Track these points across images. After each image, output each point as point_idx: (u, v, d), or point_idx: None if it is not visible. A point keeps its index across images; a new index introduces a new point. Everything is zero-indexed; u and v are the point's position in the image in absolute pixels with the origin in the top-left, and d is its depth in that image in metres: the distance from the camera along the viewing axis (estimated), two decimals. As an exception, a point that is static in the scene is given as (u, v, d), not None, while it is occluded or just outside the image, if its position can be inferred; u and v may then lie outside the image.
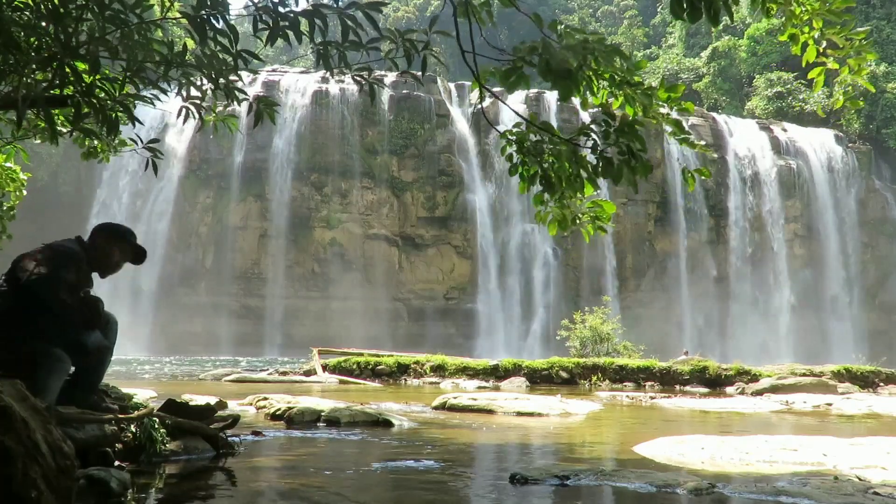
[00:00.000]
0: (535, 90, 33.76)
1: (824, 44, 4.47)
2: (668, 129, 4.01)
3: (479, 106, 4.68)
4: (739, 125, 36.87)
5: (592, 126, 3.96)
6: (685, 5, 3.41)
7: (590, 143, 3.97)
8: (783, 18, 4.53)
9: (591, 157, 4.14)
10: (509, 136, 4.28)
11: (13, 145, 6.23)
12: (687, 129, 4.18)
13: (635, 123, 3.86)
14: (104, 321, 4.37)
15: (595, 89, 3.87)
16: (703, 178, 4.40)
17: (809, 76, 4.70)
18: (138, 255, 4.34)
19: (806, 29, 4.45)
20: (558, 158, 4.16)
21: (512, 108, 5.16)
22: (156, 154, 4.88)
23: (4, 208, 6.44)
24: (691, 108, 4.18)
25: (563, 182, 4.21)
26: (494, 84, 4.11)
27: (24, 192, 6.75)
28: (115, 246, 4.25)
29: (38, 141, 5.49)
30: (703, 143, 4.16)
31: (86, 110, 3.98)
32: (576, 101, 3.88)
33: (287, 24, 3.86)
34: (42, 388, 3.77)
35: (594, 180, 4.22)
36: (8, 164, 6.40)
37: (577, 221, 4.52)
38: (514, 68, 3.75)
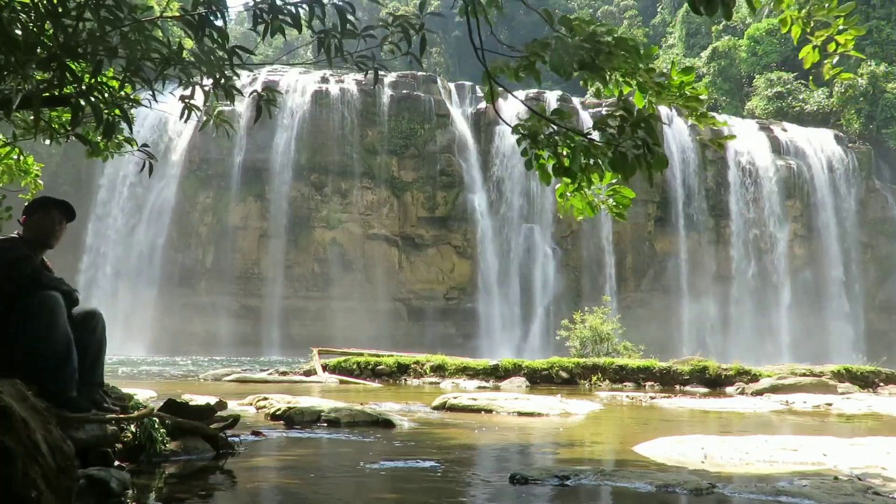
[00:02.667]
0: (536, 90, 33.77)
1: (812, 24, 4.53)
2: (686, 110, 4.03)
3: (490, 103, 4.59)
4: (739, 125, 36.84)
5: (608, 120, 3.95)
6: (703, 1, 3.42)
7: (604, 138, 3.97)
8: (777, 3, 4.58)
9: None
10: (522, 130, 4.27)
11: (13, 146, 6.22)
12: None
13: (651, 118, 3.86)
14: (91, 316, 4.49)
15: (607, 80, 3.89)
16: (717, 149, 4.43)
17: (800, 55, 4.74)
18: (68, 211, 4.54)
19: (795, 12, 4.52)
20: (573, 150, 4.18)
21: (525, 104, 5.17)
22: (150, 157, 5.01)
23: (2, 208, 6.43)
24: (704, 91, 4.18)
25: (582, 170, 4.24)
26: (502, 81, 4.11)
27: (41, 183, 6.74)
28: (45, 214, 4.45)
29: (47, 142, 5.50)
30: (718, 117, 4.12)
31: (87, 109, 3.98)
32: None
33: (288, 18, 3.85)
34: (50, 328, 4.02)
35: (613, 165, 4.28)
36: (17, 157, 6.39)
37: (601, 207, 4.59)
38: (528, 64, 3.76)
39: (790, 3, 4.42)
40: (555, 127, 4.20)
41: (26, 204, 4.58)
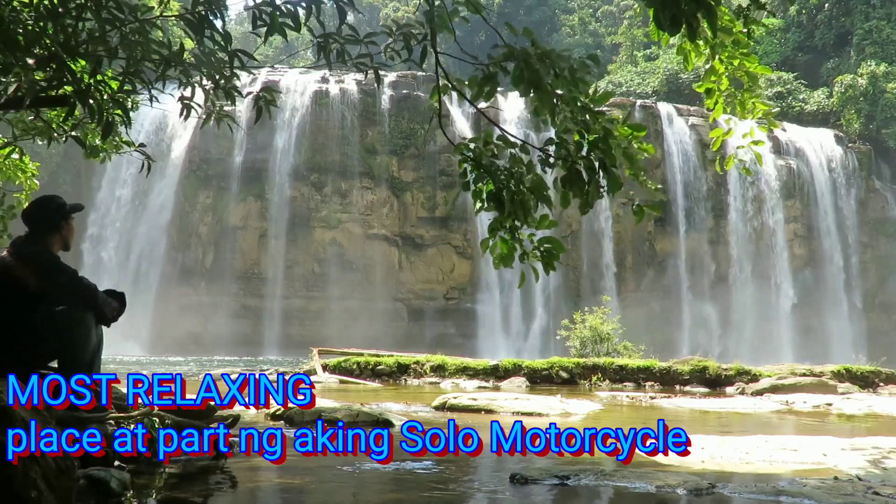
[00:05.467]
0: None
1: (732, 105, 4.68)
2: (625, 164, 3.85)
3: (437, 116, 4.42)
4: (739, 125, 36.78)
5: (565, 136, 3.84)
6: (668, 19, 3.41)
7: (561, 153, 3.85)
8: (707, 67, 4.66)
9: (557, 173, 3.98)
10: (465, 151, 4.14)
11: (13, 146, 6.24)
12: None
13: (608, 138, 3.74)
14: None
15: (556, 111, 3.71)
16: (654, 213, 4.24)
17: (711, 135, 4.87)
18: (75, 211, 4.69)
19: (723, 86, 4.64)
20: (516, 177, 3.98)
21: (487, 116, 5.14)
22: (148, 157, 5.06)
23: (5, 207, 6.44)
24: (651, 150, 4.02)
25: (516, 205, 3.98)
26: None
27: (37, 183, 6.78)
28: (68, 221, 4.57)
29: (41, 142, 5.52)
30: (658, 187, 3.96)
31: (77, 113, 3.99)
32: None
33: (288, 19, 3.85)
34: (84, 342, 4.25)
35: (549, 200, 4.01)
36: (15, 156, 6.42)
37: (525, 258, 4.20)
38: (489, 75, 3.67)
39: (720, 78, 4.47)
40: (509, 145, 4.03)
41: (59, 206, 4.58)
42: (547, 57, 3.54)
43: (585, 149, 3.74)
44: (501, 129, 4.23)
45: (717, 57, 4.54)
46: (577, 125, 3.76)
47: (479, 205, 4.14)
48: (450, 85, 3.97)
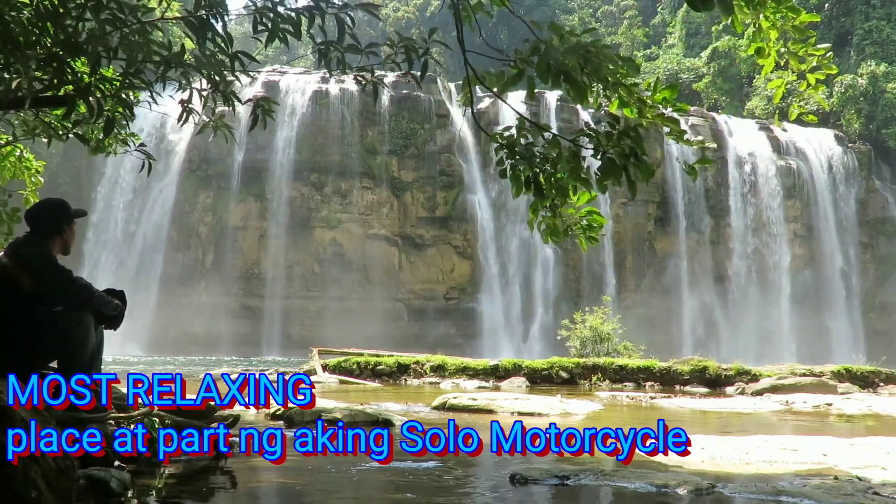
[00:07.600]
0: (535, 90, 33.70)
1: (786, 59, 4.62)
2: (666, 129, 3.97)
3: (469, 109, 4.53)
4: (739, 125, 36.82)
5: (595, 127, 3.93)
6: None
7: (591, 145, 3.93)
8: (751, 30, 4.62)
9: (589, 161, 4.07)
10: (500, 140, 4.21)
11: (13, 146, 6.24)
12: (685, 128, 4.17)
13: (638, 126, 3.82)
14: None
15: (589, 92, 3.81)
16: (705, 166, 4.38)
17: (769, 86, 4.86)
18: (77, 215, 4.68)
19: (771, 43, 4.58)
20: (552, 162, 4.08)
21: (514, 109, 5.15)
22: (149, 157, 5.07)
23: (9, 209, 6.45)
24: (686, 108, 4.14)
25: (554, 188, 4.10)
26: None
27: (42, 181, 6.80)
28: (71, 224, 4.55)
29: (45, 140, 5.53)
30: (699, 138, 4.06)
31: (82, 110, 3.98)
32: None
33: (289, 26, 3.86)
34: (83, 344, 4.23)
35: (588, 183, 4.12)
36: (18, 154, 6.44)
37: (570, 231, 4.36)
38: (518, 71, 3.73)
39: (767, 34, 4.45)
40: (540, 134, 4.12)
41: (64, 209, 4.56)
42: (573, 50, 3.59)
43: (616, 139, 3.80)
44: (531, 120, 4.27)
45: (761, 15, 4.54)
46: (613, 105, 3.83)
47: (517, 189, 4.22)
48: (478, 79, 4.00)
